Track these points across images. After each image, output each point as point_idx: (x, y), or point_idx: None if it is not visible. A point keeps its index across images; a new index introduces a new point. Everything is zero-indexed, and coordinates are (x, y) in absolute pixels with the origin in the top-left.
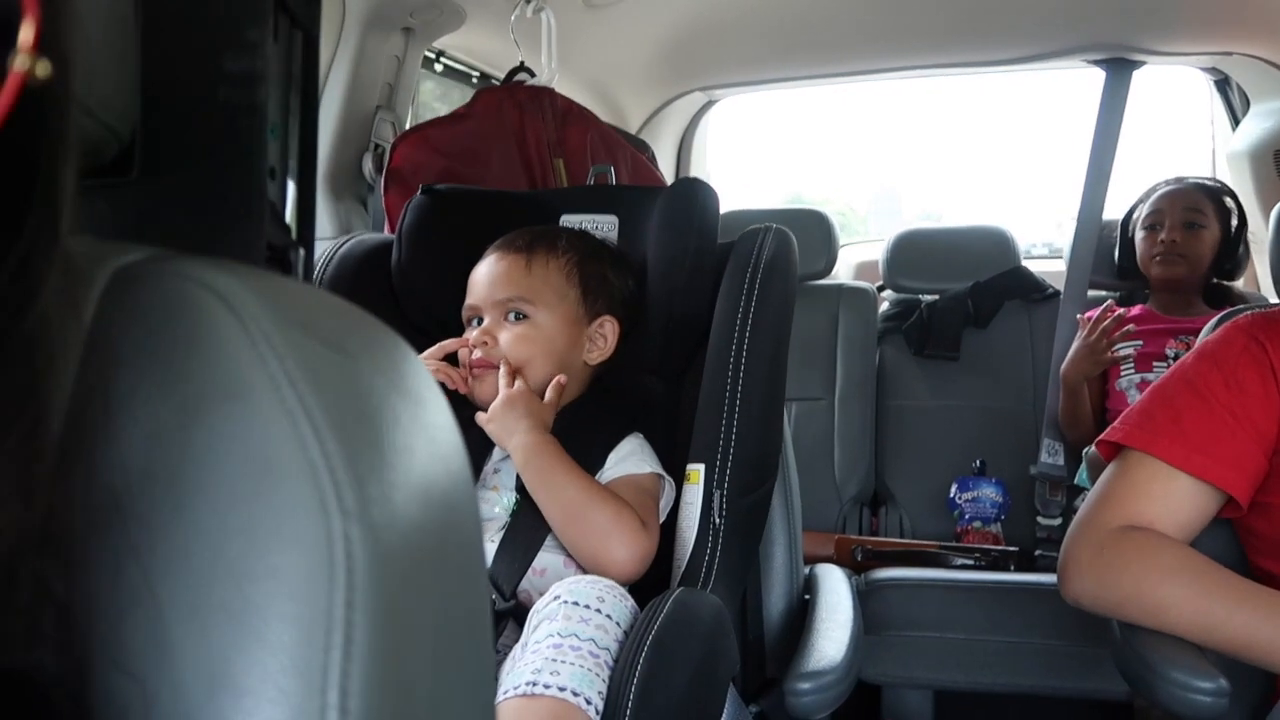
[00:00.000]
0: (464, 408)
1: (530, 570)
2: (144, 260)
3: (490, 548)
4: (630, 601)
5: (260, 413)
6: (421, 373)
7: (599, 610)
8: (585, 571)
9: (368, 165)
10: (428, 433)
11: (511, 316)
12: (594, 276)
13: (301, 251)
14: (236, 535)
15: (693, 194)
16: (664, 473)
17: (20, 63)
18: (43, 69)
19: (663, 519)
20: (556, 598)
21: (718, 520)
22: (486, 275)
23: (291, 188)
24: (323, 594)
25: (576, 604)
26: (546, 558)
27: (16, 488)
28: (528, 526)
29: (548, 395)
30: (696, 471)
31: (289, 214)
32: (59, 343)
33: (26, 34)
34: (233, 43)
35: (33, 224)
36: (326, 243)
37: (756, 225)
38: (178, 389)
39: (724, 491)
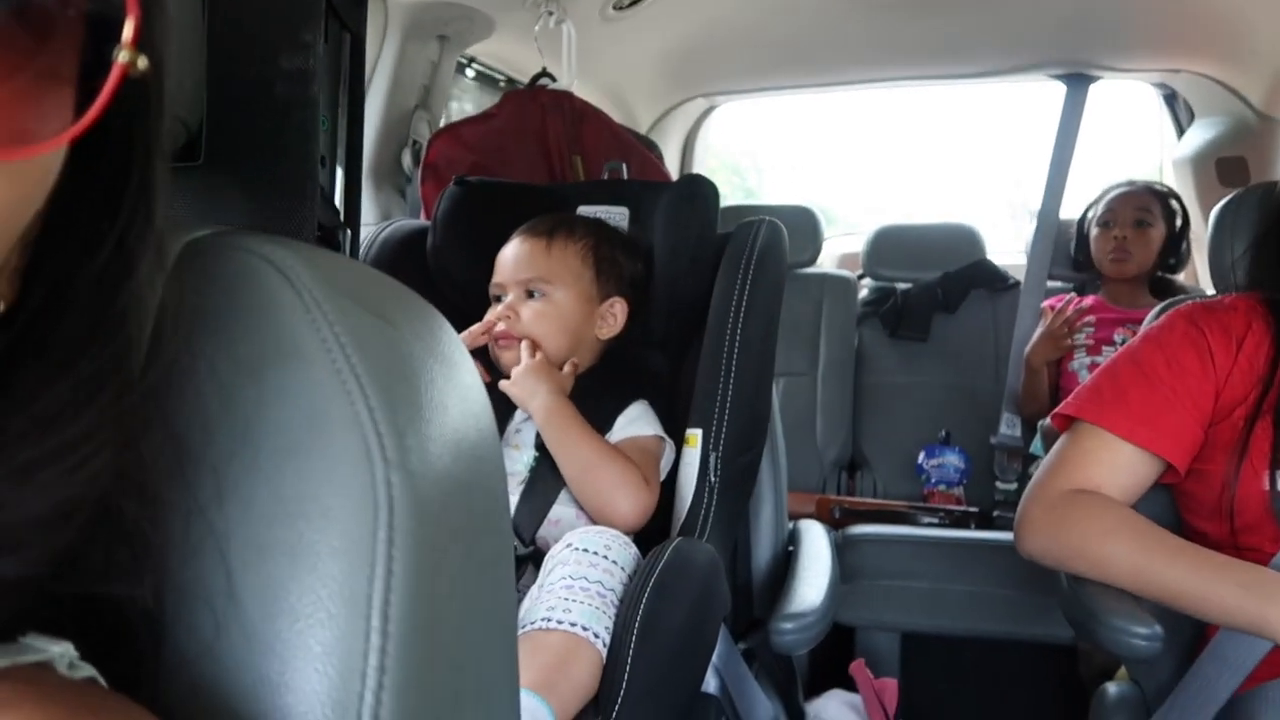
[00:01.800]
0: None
1: (547, 520)
2: (210, 235)
3: (512, 499)
4: (634, 549)
5: (313, 372)
6: (454, 340)
7: (606, 556)
8: (594, 523)
9: (406, 159)
10: (459, 392)
11: (533, 294)
12: (607, 260)
13: (349, 231)
14: (293, 480)
15: (696, 189)
16: (665, 435)
17: (123, 56)
18: (142, 63)
19: (663, 477)
20: (569, 545)
21: (713, 479)
22: (511, 257)
23: (340, 175)
24: (367, 531)
25: (587, 550)
26: (560, 510)
27: (111, 438)
28: (545, 481)
29: (565, 369)
30: (695, 435)
31: (338, 198)
32: (148, 313)
33: (129, 30)
34: (288, 43)
35: (129, 207)
36: (369, 228)
37: (751, 218)
38: (240, 350)
39: (719, 453)
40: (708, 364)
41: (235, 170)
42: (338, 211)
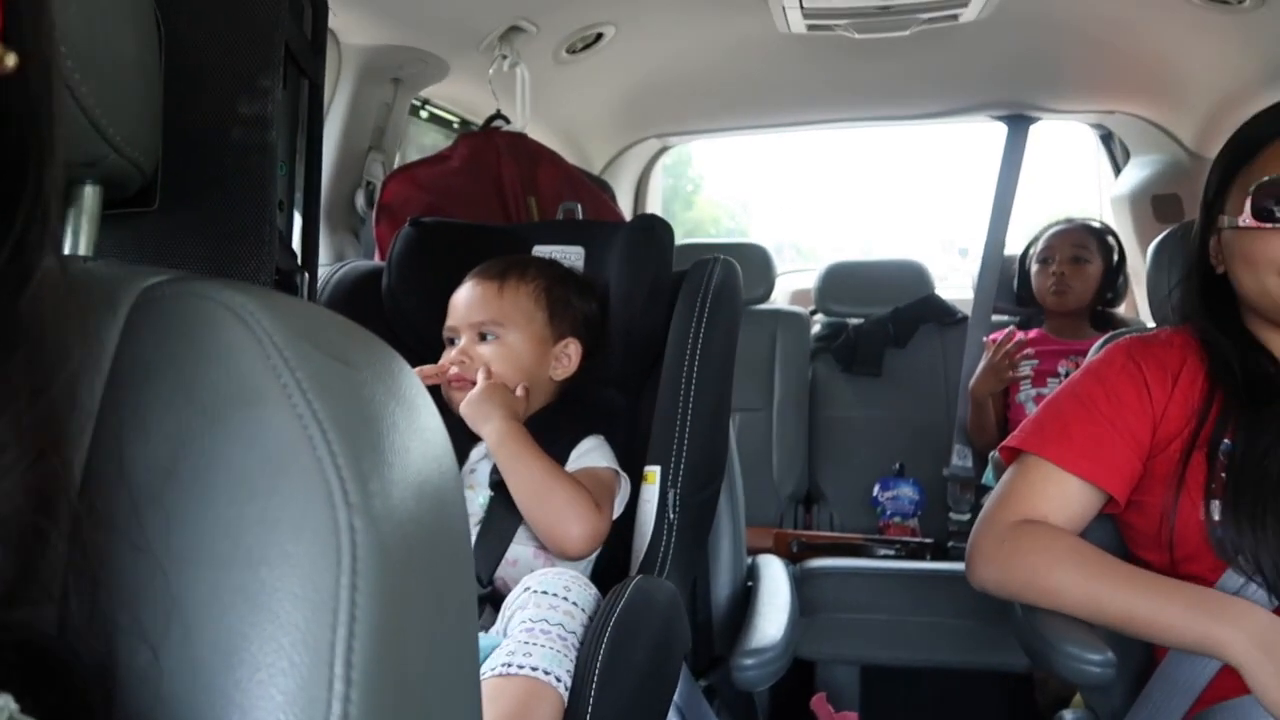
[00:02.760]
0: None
1: (504, 560)
2: (167, 281)
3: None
4: (593, 590)
5: (274, 417)
6: (415, 383)
7: (565, 598)
8: (551, 562)
9: (360, 200)
10: (421, 435)
11: (486, 337)
12: (560, 301)
13: (306, 275)
14: (254, 525)
15: (650, 229)
16: (620, 470)
17: None
18: (11, 60)
19: (619, 512)
20: (527, 589)
21: (672, 515)
22: (464, 300)
23: (297, 218)
24: (330, 577)
25: (546, 593)
26: (518, 549)
27: (23, 452)
28: (501, 520)
29: (518, 393)
30: (653, 472)
31: (295, 241)
32: (50, 323)
33: None
34: (246, 89)
35: (24, 212)
36: (324, 269)
37: (706, 256)
38: (199, 396)
39: (678, 490)
40: (665, 401)
41: (191, 215)
42: (295, 255)
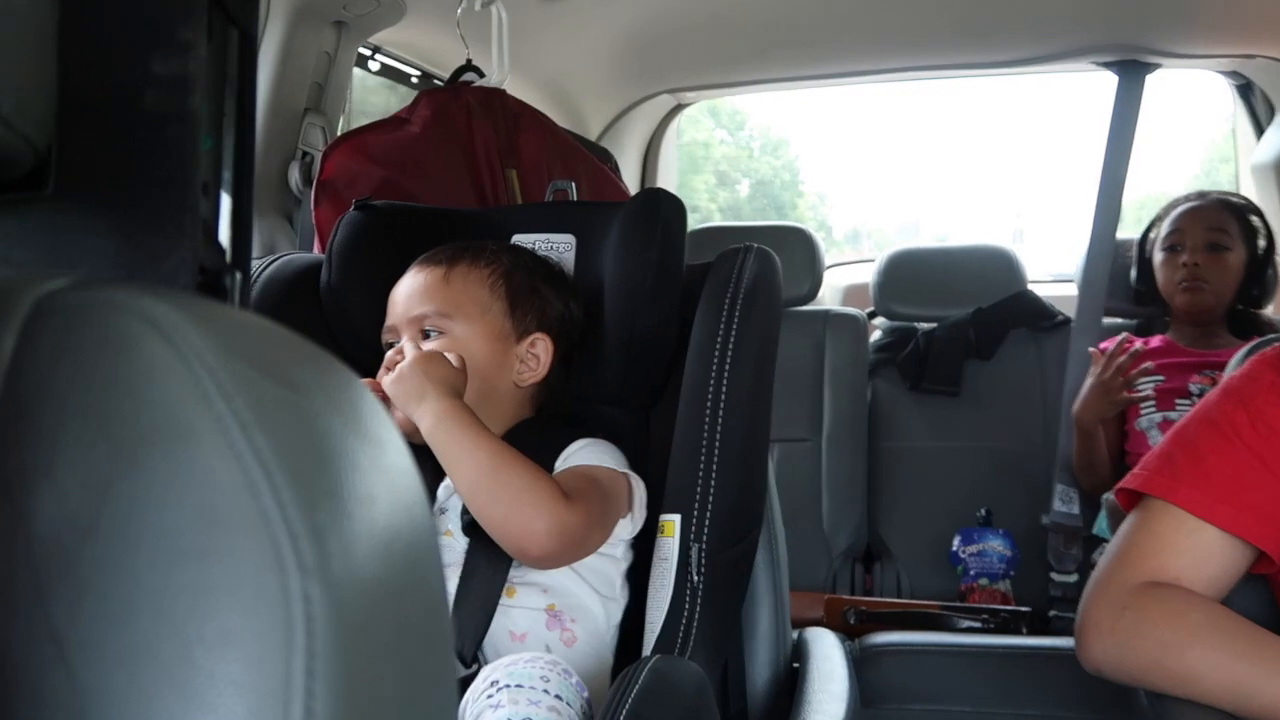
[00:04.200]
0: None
1: (510, 635)
2: (69, 288)
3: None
4: (574, 678)
5: (207, 458)
6: (378, 411)
7: (546, 691)
8: (570, 641)
9: (294, 176)
10: (389, 478)
11: (429, 334)
12: (522, 289)
13: (238, 274)
14: (184, 596)
15: (654, 205)
16: (629, 471)
17: None
18: None
19: (638, 526)
20: (494, 684)
21: (696, 578)
22: (404, 292)
23: (226, 203)
24: (280, 659)
25: (520, 687)
26: (522, 616)
27: None
28: (486, 576)
29: (451, 358)
30: (671, 523)
31: (224, 233)
32: None
33: None
34: (162, 43)
35: None
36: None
37: (735, 245)
38: (114, 432)
39: (703, 545)
40: (685, 431)
41: (94, 202)
42: (223, 250)
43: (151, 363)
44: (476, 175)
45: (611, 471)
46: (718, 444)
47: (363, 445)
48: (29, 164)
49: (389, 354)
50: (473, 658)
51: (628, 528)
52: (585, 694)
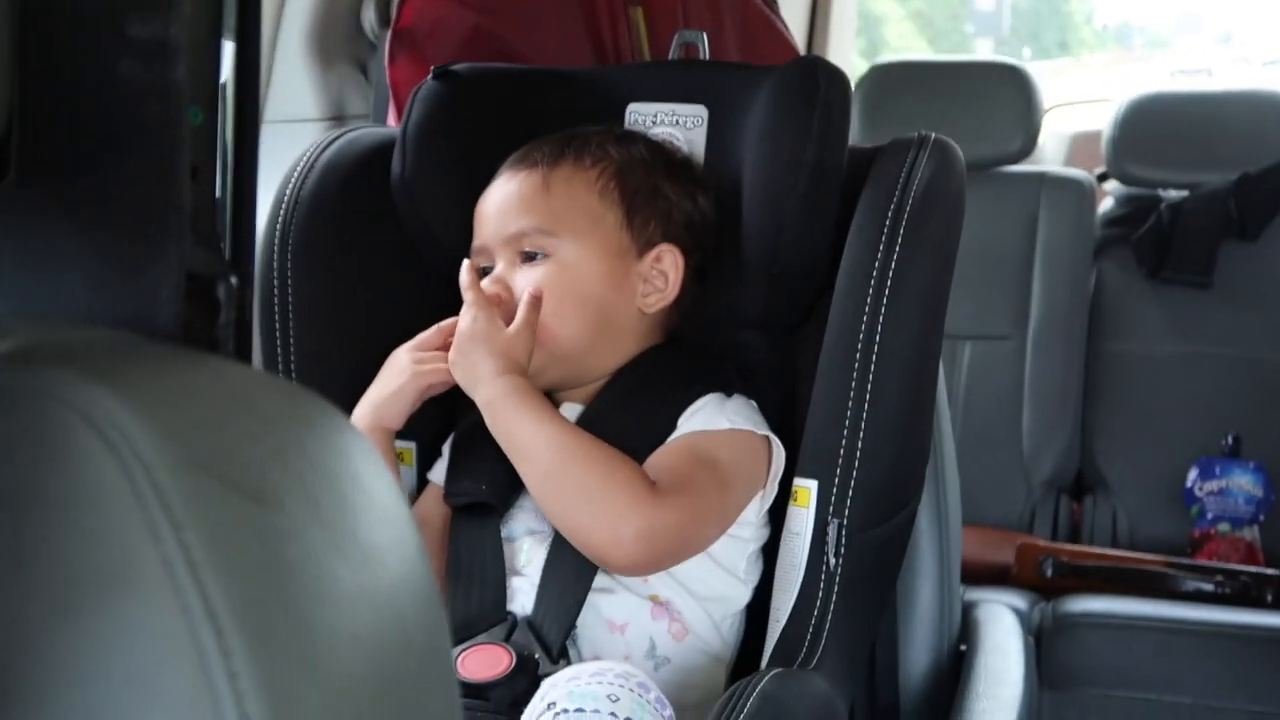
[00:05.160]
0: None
1: (608, 625)
2: (3, 359)
3: (526, 581)
4: (653, 693)
5: (149, 611)
6: (375, 501)
7: (613, 715)
8: (680, 634)
9: (369, 15)
10: (380, 604)
11: (531, 256)
12: (641, 191)
13: (235, 279)
14: None
15: (812, 82)
16: (764, 430)
17: None
18: None
19: (770, 500)
20: (551, 705)
21: (833, 562)
22: (494, 204)
23: (221, 190)
24: None
25: (581, 711)
26: (625, 604)
27: None
28: (576, 550)
29: (519, 316)
30: (806, 490)
31: (219, 228)
32: None
33: None
34: (137, 3)
35: None
36: (309, 130)
37: (907, 136)
38: (41, 568)
39: (843, 522)
40: (829, 379)
41: (60, 192)
42: (219, 250)
43: (92, 481)
44: (593, 16)
45: (743, 436)
46: (868, 399)
47: (347, 565)
48: None
49: (484, 282)
50: (561, 651)
51: (756, 506)
52: (668, 712)
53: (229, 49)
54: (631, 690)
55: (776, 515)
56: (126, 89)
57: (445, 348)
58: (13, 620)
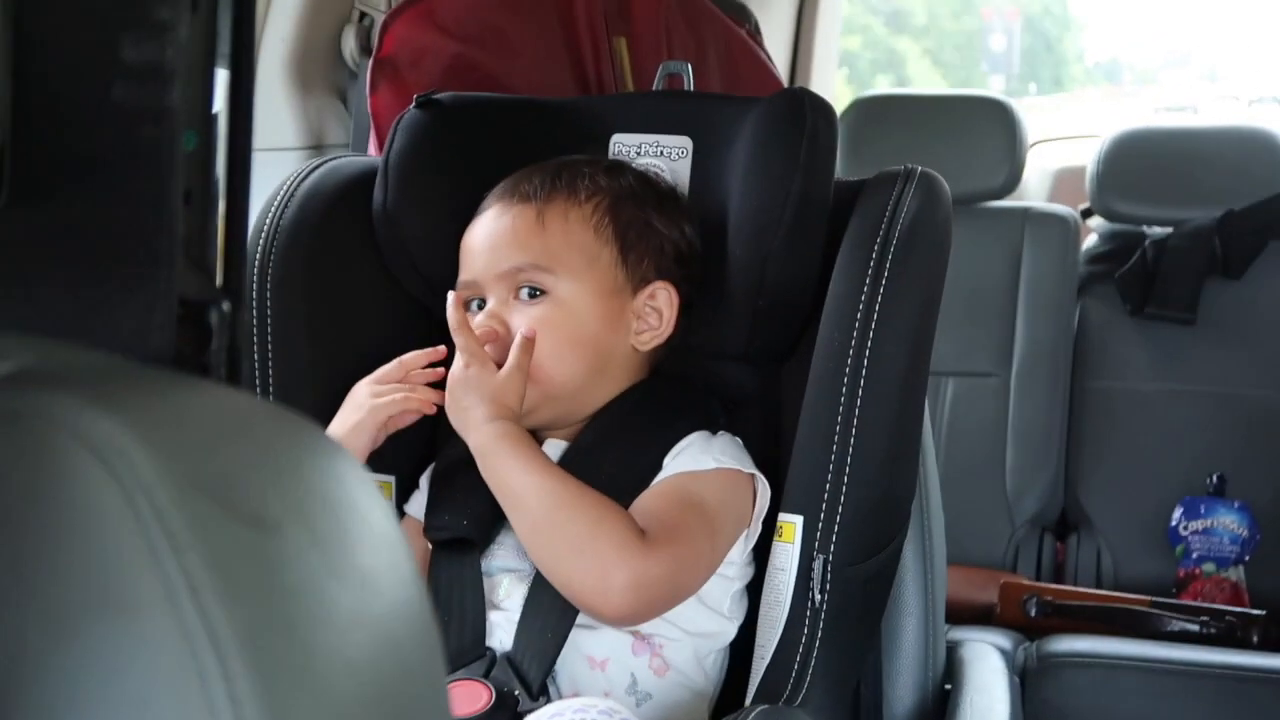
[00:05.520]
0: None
1: (588, 661)
2: (3, 381)
3: (505, 616)
4: None
5: (151, 636)
6: (370, 526)
7: None
8: (661, 670)
9: (350, 44)
10: (379, 629)
11: (524, 294)
12: (634, 226)
13: (226, 305)
14: None
15: (798, 114)
16: (750, 468)
17: None
18: None
19: (753, 540)
20: None
21: (818, 598)
22: (485, 237)
23: (215, 215)
24: None
25: None
26: (605, 639)
27: None
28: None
29: (510, 359)
30: (791, 526)
31: (211, 254)
32: None
33: None
34: (135, 24)
35: None
36: (288, 160)
37: (893, 169)
38: (43, 591)
39: (829, 557)
40: (814, 413)
41: (53, 214)
42: (211, 275)
43: (92, 504)
44: (575, 46)
45: (730, 475)
46: (854, 433)
47: (346, 589)
48: None
49: (477, 317)
50: (541, 689)
51: (741, 545)
52: None
53: (222, 75)
54: None
55: (761, 551)
56: (121, 112)
57: (405, 380)
58: (13, 643)
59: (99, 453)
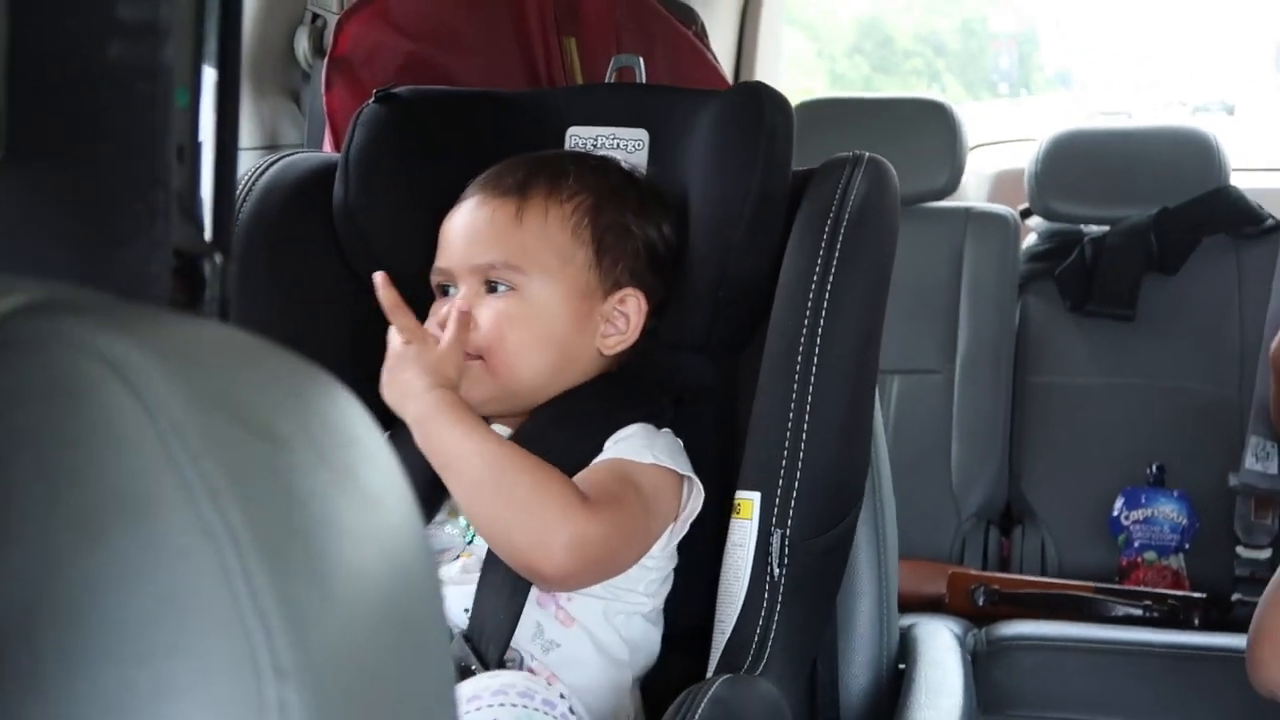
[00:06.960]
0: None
1: (542, 635)
2: (14, 314)
3: (457, 591)
4: (560, 707)
5: (173, 536)
6: (373, 451)
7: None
8: (567, 621)
9: (302, 45)
10: (383, 542)
11: (496, 287)
12: (612, 230)
13: (219, 257)
14: (144, 702)
15: (757, 108)
16: (686, 471)
17: None
18: None
19: (676, 538)
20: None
21: (777, 571)
22: (463, 229)
23: (206, 170)
24: None
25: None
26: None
27: None
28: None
29: (447, 333)
30: (749, 502)
31: (202, 206)
32: None
33: None
34: None
35: None
36: (243, 159)
37: (842, 155)
38: (72, 501)
39: (786, 531)
40: (770, 392)
41: (47, 171)
42: (203, 228)
43: (112, 417)
44: (527, 45)
45: (665, 474)
46: (808, 410)
47: (352, 504)
48: None
49: (443, 307)
50: (499, 664)
51: (664, 540)
52: None
53: (212, 33)
54: (537, 710)
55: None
56: (115, 69)
57: None
58: (44, 550)
59: (118, 371)
